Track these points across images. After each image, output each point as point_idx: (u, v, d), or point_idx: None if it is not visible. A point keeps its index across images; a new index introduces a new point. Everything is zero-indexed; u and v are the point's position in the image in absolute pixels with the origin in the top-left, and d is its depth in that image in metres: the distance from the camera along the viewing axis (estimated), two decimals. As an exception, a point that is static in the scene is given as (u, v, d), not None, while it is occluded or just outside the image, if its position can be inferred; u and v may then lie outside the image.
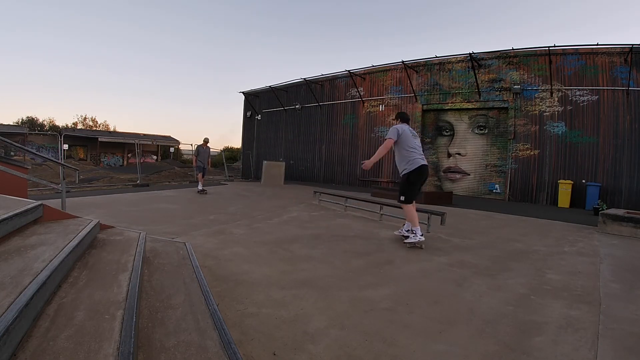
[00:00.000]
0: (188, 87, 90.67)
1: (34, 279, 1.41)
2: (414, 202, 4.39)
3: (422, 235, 4.11)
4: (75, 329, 1.30)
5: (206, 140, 10.05)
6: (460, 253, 4.00)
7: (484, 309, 2.43)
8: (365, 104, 14.67)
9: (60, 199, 5.19)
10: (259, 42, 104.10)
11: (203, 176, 9.97)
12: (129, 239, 2.74)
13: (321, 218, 6.02)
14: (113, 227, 3.12)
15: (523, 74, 11.01)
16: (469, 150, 12.35)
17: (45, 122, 33.36)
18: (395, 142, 4.29)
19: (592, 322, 2.26)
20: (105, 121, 44.17)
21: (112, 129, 35.74)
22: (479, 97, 11.80)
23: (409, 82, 13.07)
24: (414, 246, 4.10)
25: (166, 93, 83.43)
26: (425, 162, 4.31)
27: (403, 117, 4.52)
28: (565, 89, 10.36)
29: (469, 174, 12.35)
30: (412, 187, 4.32)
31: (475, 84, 11.63)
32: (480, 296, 2.68)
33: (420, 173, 4.28)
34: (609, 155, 9.73)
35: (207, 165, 10.05)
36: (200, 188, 9.59)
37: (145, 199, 7.81)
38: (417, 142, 4.38)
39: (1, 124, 24.78)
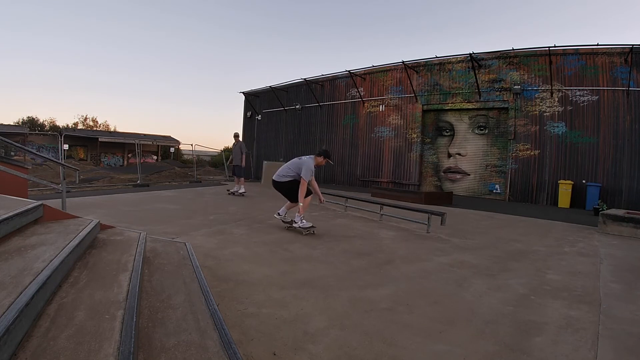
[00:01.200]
0: (188, 87, 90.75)
1: (34, 279, 1.42)
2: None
3: (278, 214, 5.05)
4: (75, 328, 1.30)
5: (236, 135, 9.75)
6: (461, 253, 4.00)
7: (484, 309, 2.43)
8: (366, 104, 14.67)
9: (60, 199, 5.19)
10: (259, 42, 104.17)
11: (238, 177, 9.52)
12: (129, 239, 2.74)
13: (321, 218, 6.02)
14: (113, 227, 3.12)
15: (523, 74, 11.02)
16: (469, 151, 12.35)
17: (45, 122, 33.41)
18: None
19: (592, 323, 2.26)
20: (105, 121, 44.27)
21: (112, 129, 35.79)
22: (479, 98, 11.80)
23: (409, 82, 13.07)
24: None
25: (166, 93, 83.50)
26: (275, 178, 5.01)
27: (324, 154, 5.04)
28: (565, 89, 10.36)
29: (469, 174, 12.35)
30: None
31: (475, 84, 11.63)
32: (480, 296, 2.68)
33: None
34: (609, 155, 9.72)
35: (238, 162, 9.40)
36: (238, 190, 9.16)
37: (146, 199, 7.82)
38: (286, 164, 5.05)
39: (1, 124, 24.80)
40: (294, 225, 4.79)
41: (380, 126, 14.21)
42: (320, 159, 4.96)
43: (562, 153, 10.41)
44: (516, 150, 11.09)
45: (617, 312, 2.45)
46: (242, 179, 9.32)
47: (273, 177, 5.06)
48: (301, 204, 4.73)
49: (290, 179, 4.87)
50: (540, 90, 10.75)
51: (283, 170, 4.96)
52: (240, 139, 9.70)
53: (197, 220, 5.30)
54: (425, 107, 13.09)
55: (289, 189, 4.90)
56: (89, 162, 26.00)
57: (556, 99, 10.49)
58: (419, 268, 3.39)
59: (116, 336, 1.27)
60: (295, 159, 5.01)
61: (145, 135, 30.27)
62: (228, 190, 9.58)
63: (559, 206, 10.03)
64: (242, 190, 9.06)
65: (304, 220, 4.73)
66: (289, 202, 5.10)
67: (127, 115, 69.97)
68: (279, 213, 5.10)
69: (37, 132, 28.38)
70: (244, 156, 9.41)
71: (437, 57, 12.74)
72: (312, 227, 4.73)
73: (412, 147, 13.30)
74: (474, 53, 11.38)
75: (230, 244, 3.93)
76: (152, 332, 1.52)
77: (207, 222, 5.19)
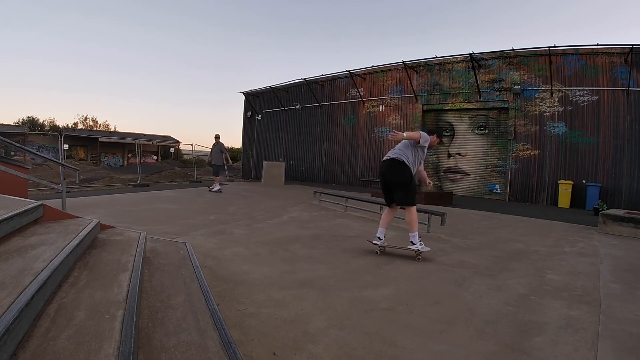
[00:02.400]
0: (189, 87, 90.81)
1: (34, 279, 1.42)
2: (389, 205, 3.91)
3: (376, 237, 3.80)
4: (75, 328, 1.30)
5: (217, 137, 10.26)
6: (461, 253, 4.00)
7: (484, 309, 2.42)
8: (366, 104, 14.67)
9: (60, 199, 5.19)
10: (259, 42, 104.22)
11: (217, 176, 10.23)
12: (129, 239, 2.74)
13: (321, 218, 6.02)
14: (113, 227, 3.12)
15: (523, 74, 11.01)
16: (469, 151, 12.34)
17: (45, 122, 33.41)
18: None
19: (592, 323, 2.26)
20: (105, 121, 44.28)
21: (112, 129, 35.79)
22: (479, 98, 11.80)
23: (409, 82, 13.07)
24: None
25: (167, 93, 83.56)
26: (386, 157, 3.81)
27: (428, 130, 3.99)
28: (565, 89, 10.36)
29: (469, 174, 12.34)
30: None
31: (475, 84, 11.63)
32: (480, 296, 2.68)
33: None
34: (609, 155, 9.72)
35: (217, 162, 10.06)
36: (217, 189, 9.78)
37: (146, 199, 7.82)
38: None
39: (1, 124, 24.80)
40: (412, 247, 3.66)
41: (381, 126, 14.20)
42: (434, 138, 3.83)
43: (562, 153, 10.41)
44: (516, 150, 11.09)
45: (617, 312, 2.45)
46: (218, 177, 10.08)
47: (384, 158, 3.83)
48: (413, 216, 3.65)
49: (404, 161, 3.64)
50: (540, 90, 10.74)
51: (394, 150, 3.79)
52: (221, 139, 10.35)
53: (197, 220, 5.30)
54: (425, 107, 13.08)
55: (399, 183, 3.65)
56: (89, 162, 26.01)
57: (556, 99, 10.49)
58: (419, 268, 3.39)
59: (116, 336, 1.27)
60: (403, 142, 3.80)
61: (145, 135, 30.27)
62: (209, 188, 10.10)
63: (559, 206, 10.02)
64: (217, 187, 9.69)
65: (422, 242, 3.67)
66: (386, 211, 3.94)
67: (127, 115, 70.06)
68: (379, 237, 3.80)
69: (37, 132, 28.38)
70: (225, 155, 10.22)
71: (437, 57, 12.74)
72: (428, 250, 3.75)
73: (412, 147, 13.29)
74: (474, 53, 11.38)
75: (230, 244, 3.93)
76: (152, 332, 1.52)
77: (207, 222, 5.19)
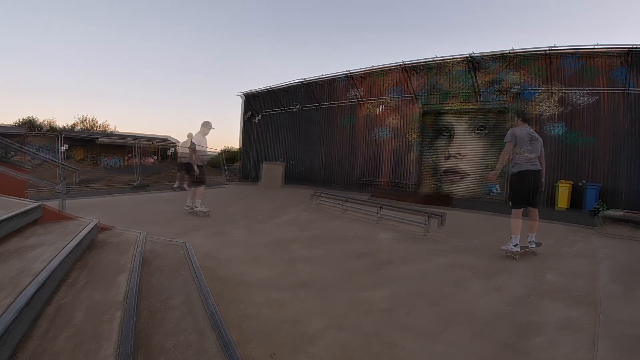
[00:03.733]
0: (188, 88, 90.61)
1: (33, 280, 1.41)
2: (521, 209, 4.15)
3: (517, 245, 3.87)
4: (74, 329, 1.30)
5: (189, 136, 10.28)
6: (460, 254, 4.00)
7: (483, 310, 2.43)
8: (365, 105, 14.68)
9: (59, 200, 5.19)
10: (259, 42, 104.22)
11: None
12: (128, 239, 2.74)
13: (320, 219, 6.02)
14: (112, 228, 3.12)
15: (522, 75, 11.03)
16: (468, 152, 12.35)
17: (45, 123, 33.34)
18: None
19: (591, 323, 2.26)
20: (105, 122, 44.24)
21: (112, 130, 35.75)
22: (479, 98, 11.81)
23: (408, 83, 13.08)
24: (510, 255, 3.91)
25: (166, 94, 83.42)
26: (530, 168, 4.04)
27: (524, 117, 4.31)
28: (564, 89, 10.38)
29: (468, 175, 12.36)
30: (514, 191, 4.26)
31: (474, 85, 11.65)
32: (479, 297, 2.68)
33: (520, 178, 4.15)
34: (608, 156, 9.74)
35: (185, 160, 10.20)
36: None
37: (145, 200, 7.81)
38: (531, 145, 4.07)
39: (1, 125, 24.77)
40: (533, 246, 4.04)
41: (380, 127, 14.21)
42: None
43: (561, 154, 10.42)
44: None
45: (616, 313, 2.45)
46: (188, 176, 10.25)
47: (528, 168, 4.05)
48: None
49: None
50: (539, 91, 10.76)
51: (532, 152, 4.06)
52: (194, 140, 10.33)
53: (197, 221, 5.29)
54: (424, 108, 13.10)
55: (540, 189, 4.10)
56: (88, 163, 26.00)
57: (555, 100, 10.51)
58: (418, 269, 3.39)
59: (115, 337, 1.27)
60: (525, 133, 4.03)
61: (144, 136, 30.25)
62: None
63: (557, 207, 10.03)
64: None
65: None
66: (520, 216, 4.18)
67: (126, 116, 69.85)
68: (519, 244, 3.99)
69: (36, 132, 28.33)
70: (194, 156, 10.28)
71: (436, 58, 12.75)
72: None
73: (411, 148, 13.31)
74: (473, 54, 11.40)
75: (229, 245, 3.92)
76: (152, 333, 1.52)
77: (207, 223, 5.19)
